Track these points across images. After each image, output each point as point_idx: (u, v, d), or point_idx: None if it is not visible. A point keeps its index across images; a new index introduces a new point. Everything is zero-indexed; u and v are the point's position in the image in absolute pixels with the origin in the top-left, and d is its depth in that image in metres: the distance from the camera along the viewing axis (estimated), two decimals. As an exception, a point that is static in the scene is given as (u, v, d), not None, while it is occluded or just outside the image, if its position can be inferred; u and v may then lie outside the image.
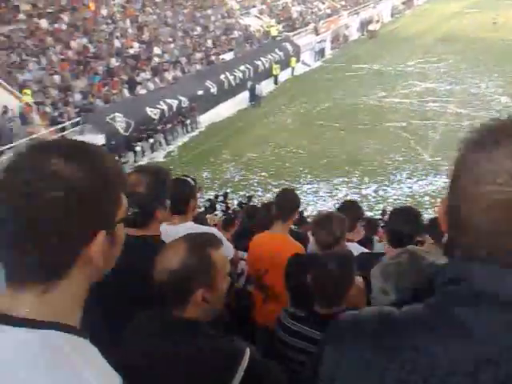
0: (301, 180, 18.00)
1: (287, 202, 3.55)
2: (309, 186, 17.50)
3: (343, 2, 45.72)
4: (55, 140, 1.02)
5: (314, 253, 3.30)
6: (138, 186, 2.11)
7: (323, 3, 43.77)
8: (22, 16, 23.52)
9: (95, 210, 0.92)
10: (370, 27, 42.22)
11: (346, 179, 17.79)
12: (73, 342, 0.91)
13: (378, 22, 44.53)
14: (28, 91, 18.79)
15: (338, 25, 40.16)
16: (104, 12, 27.34)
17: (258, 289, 3.61)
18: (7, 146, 16.56)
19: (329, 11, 42.34)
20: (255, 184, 17.94)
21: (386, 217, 11.17)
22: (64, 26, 24.47)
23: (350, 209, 4.07)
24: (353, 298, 2.51)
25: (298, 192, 4.73)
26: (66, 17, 25.18)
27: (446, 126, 21.21)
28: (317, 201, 16.46)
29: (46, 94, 19.62)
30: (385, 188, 17.05)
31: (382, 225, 8.15)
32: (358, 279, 2.63)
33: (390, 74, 30.21)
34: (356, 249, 3.54)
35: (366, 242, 4.42)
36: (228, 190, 16.69)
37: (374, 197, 16.49)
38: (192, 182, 2.94)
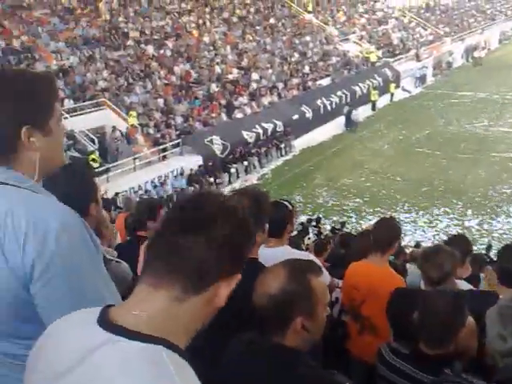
0: (398, 208, 17.33)
1: (388, 233, 3.37)
2: (406, 215, 16.78)
3: (447, 29, 44.25)
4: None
5: (420, 288, 3.12)
6: None
7: (425, 29, 42.65)
8: (130, 42, 25.01)
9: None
10: (476, 54, 40.53)
11: (448, 210, 16.86)
12: (177, 362, 0.95)
13: (484, 48, 42.68)
14: (134, 113, 19.85)
15: (440, 51, 38.85)
16: (206, 39, 28.41)
17: (353, 319, 3.50)
18: (113, 164, 17.56)
19: (431, 38, 41.15)
20: (349, 210, 17.52)
21: (492, 253, 10.41)
22: (168, 52, 25.69)
23: (459, 243, 3.76)
24: (463, 340, 2.31)
25: (395, 221, 4.45)
26: (170, 43, 26.45)
27: None
28: (415, 231, 15.72)
29: (150, 117, 20.61)
30: (490, 221, 15.94)
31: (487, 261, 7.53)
32: (470, 320, 2.40)
33: (497, 102, 28.63)
34: (465, 287, 3.25)
35: (473, 279, 4.07)
36: (320, 215, 16.41)
37: (478, 230, 15.45)
38: (290, 206, 2.92)
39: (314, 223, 15.14)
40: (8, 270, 1.23)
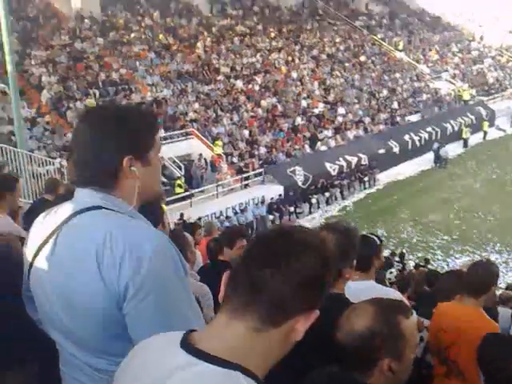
0: (488, 248, 16.28)
1: (485, 277, 3.15)
2: (497, 256, 15.70)
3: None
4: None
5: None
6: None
7: (524, 68, 40.72)
8: (220, 77, 25.87)
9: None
10: None
11: None
12: None
13: None
14: (219, 143, 20.40)
15: (540, 91, 36.78)
16: (294, 75, 28.80)
17: (439, 361, 3.33)
18: (197, 190, 18.03)
19: (530, 77, 39.18)
20: (435, 247, 16.66)
21: None
22: (256, 87, 26.28)
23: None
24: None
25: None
26: (259, 78, 27.06)
27: None
28: (506, 272, 14.60)
29: (235, 146, 21.04)
30: None
31: None
32: None
33: None
34: None
35: None
36: (404, 250, 15.69)
37: None
38: (377, 241, 2.88)
39: (397, 258, 14.53)
40: (105, 289, 1.32)
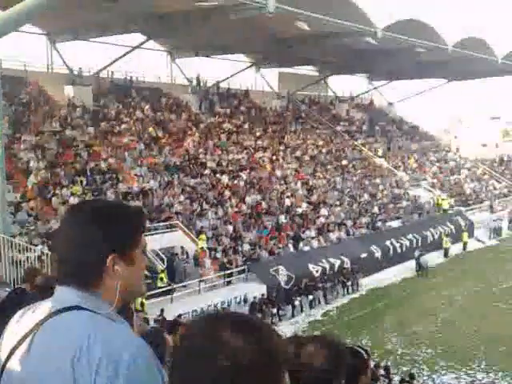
0: (474, 366, 15.69)
1: None
2: (483, 375, 15.12)
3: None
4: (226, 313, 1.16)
5: None
6: (316, 358, 1.89)
7: (499, 182, 42.28)
8: (207, 171, 26.13)
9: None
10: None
11: None
12: None
13: None
14: (203, 237, 20.15)
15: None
16: (278, 173, 29.31)
17: None
18: (180, 285, 17.51)
19: (505, 191, 40.60)
20: (420, 361, 16.06)
21: None
22: (242, 183, 26.55)
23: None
24: None
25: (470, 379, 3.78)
26: (244, 175, 27.43)
27: None
28: (495, 394, 14.02)
29: (219, 241, 20.77)
30: None
31: None
32: None
33: None
34: None
35: None
36: (389, 363, 15.06)
37: None
38: (365, 355, 2.62)
39: (382, 371, 13.92)
40: None
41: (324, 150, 35.47)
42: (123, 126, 26.45)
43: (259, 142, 32.12)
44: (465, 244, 29.66)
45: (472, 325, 18.50)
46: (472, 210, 34.45)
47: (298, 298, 19.04)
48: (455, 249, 28.85)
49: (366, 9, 24.23)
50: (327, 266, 21.45)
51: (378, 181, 33.77)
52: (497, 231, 33.40)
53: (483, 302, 20.96)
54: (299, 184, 29.13)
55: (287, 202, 26.34)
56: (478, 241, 31.49)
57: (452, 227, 29.74)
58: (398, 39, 26.95)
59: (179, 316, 14.86)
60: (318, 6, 21.45)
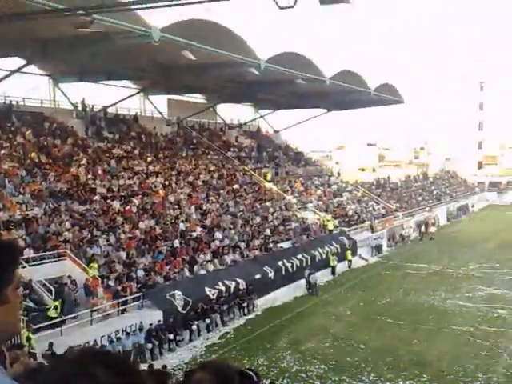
0: (363, 378, 16.50)
1: None
2: (372, 387, 15.97)
3: (398, 204, 47.35)
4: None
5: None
6: None
7: (377, 204, 45.43)
8: (97, 197, 25.28)
9: None
10: (425, 229, 43.06)
11: (413, 382, 16.07)
12: None
13: (433, 224, 45.45)
14: (95, 265, 19.37)
15: (393, 224, 41.12)
16: (171, 198, 29.14)
17: None
18: (69, 316, 16.60)
19: (383, 211, 43.72)
20: (314, 377, 16.58)
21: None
22: (134, 209, 26.01)
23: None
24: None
25: None
26: (136, 200, 26.92)
27: None
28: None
29: (112, 269, 20.08)
30: None
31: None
32: None
33: (452, 276, 29.49)
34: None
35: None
36: (285, 381, 15.42)
37: None
38: (255, 378, 2.59)
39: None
40: None
41: (216, 175, 35.90)
42: (2, 151, 24.90)
43: (151, 168, 31.75)
44: (349, 262, 31.51)
45: (360, 338, 19.51)
46: (355, 229, 36.69)
47: (196, 322, 18.92)
48: (341, 267, 30.54)
49: (250, 42, 25.25)
50: (223, 289, 21.61)
51: (268, 204, 34.78)
52: (378, 249, 35.99)
53: (368, 316, 22.26)
54: (193, 208, 29.16)
55: (181, 226, 26.23)
56: (362, 258, 33.61)
57: (338, 246, 31.41)
58: (280, 71, 28.23)
59: (70, 348, 14.12)
60: (203, 36, 21.94)
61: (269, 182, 39.41)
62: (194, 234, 25.96)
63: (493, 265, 31.80)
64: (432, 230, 43.56)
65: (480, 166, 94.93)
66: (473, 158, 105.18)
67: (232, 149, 43.33)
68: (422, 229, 43.13)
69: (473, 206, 64.71)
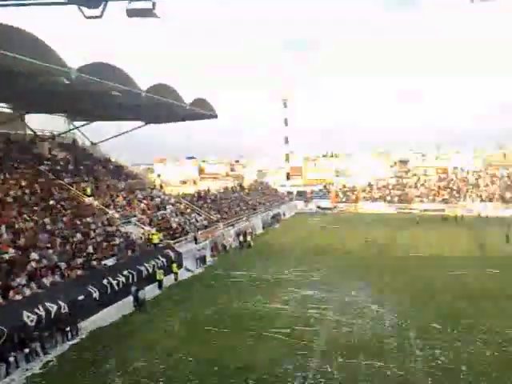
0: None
1: None
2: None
3: (218, 215, 48.97)
4: None
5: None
6: None
7: (199, 215, 46.43)
8: None
9: None
10: (243, 238, 45.28)
11: None
12: None
13: (251, 233, 48.00)
14: None
15: (215, 235, 42.45)
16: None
17: None
18: None
19: (206, 222, 44.84)
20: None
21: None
22: None
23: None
24: None
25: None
26: None
27: (327, 334, 21.38)
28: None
29: None
30: None
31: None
32: None
33: (269, 281, 31.40)
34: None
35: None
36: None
37: None
38: None
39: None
40: None
41: (28, 191, 33.31)
42: None
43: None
44: (176, 275, 31.68)
45: (188, 351, 19.68)
46: (179, 242, 37.04)
47: (13, 354, 17.27)
48: (168, 280, 30.55)
49: (59, 50, 23.95)
50: (43, 314, 20.06)
51: (89, 220, 33.29)
52: (202, 260, 36.81)
53: (196, 327, 22.59)
54: (3, 228, 26.62)
55: (-11, 248, 23.78)
56: (188, 270, 34.08)
57: (163, 260, 31.41)
58: (94, 82, 27.33)
59: None
60: (5, 42, 20.35)
61: (89, 196, 37.78)
62: (7, 257, 23.72)
63: (303, 269, 34.69)
64: (249, 238, 45.99)
65: (288, 177, 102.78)
66: (281, 169, 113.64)
67: (45, 162, 40.66)
68: (241, 238, 45.29)
69: (284, 215, 69.98)
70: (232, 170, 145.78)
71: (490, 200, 75.64)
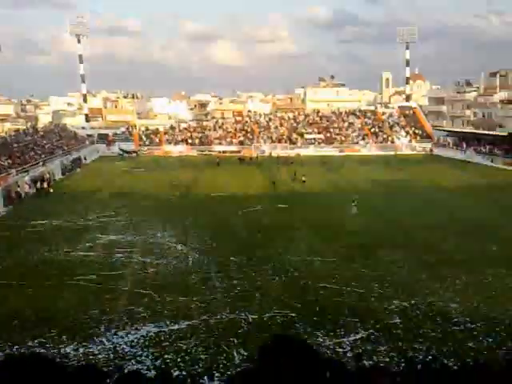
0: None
1: None
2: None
3: (10, 161, 45.09)
4: None
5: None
6: None
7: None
8: None
9: None
10: (41, 185, 42.67)
11: (42, 340, 15.84)
12: None
13: (48, 179, 45.30)
14: None
15: (7, 182, 39.15)
16: None
17: None
18: None
19: (-5, 169, 41.08)
20: None
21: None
22: None
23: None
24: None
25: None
26: None
27: (133, 276, 21.73)
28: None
29: None
30: (86, 344, 15.66)
31: None
32: None
33: (72, 228, 30.43)
34: None
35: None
36: None
37: (75, 355, 14.94)
38: None
39: None
40: None
41: None
42: None
43: None
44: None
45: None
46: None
47: None
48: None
49: None
50: None
51: None
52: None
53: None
54: None
55: None
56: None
57: None
58: None
59: None
60: None
61: None
62: None
63: (109, 213, 34.36)
64: (47, 185, 43.45)
65: (87, 119, 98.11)
66: (79, 111, 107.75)
67: None
68: (38, 185, 42.60)
69: (85, 159, 67.21)
70: (23, 110, 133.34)
71: (279, 141, 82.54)
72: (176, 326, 16.77)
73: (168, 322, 17.06)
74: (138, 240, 27.71)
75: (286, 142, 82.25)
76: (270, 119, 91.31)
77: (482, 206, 37.19)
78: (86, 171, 58.32)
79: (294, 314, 17.49)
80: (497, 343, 15.29)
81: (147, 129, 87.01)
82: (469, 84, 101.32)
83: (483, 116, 79.19)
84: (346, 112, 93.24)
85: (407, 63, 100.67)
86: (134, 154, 78.04)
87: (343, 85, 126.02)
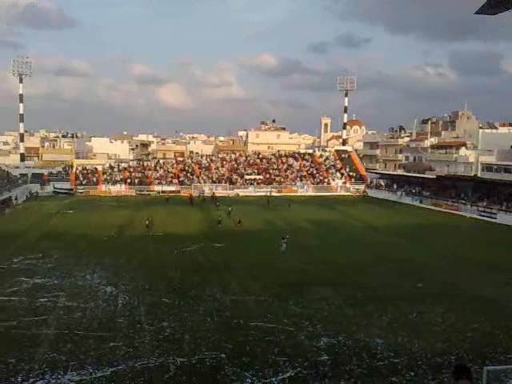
0: None
1: None
2: None
3: None
4: None
5: None
6: None
7: None
8: None
9: None
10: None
11: None
12: None
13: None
14: None
15: None
16: None
17: None
18: None
19: None
20: None
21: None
22: None
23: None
24: None
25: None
26: None
27: (57, 321, 20.73)
28: None
29: None
30: None
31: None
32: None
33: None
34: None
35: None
36: None
37: None
38: None
39: None
40: None
41: None
42: None
43: None
44: None
45: None
46: None
47: None
48: None
49: None
50: None
51: None
52: None
53: None
54: None
55: None
56: None
57: None
58: None
59: None
60: None
61: None
62: None
63: (36, 255, 33.00)
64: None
65: (23, 158, 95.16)
66: (15, 150, 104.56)
67: None
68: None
69: (16, 199, 64.86)
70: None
71: (220, 181, 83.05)
72: (100, 373, 16.06)
73: (91, 370, 16.31)
74: (65, 283, 26.63)
75: (225, 182, 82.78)
76: (211, 160, 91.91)
77: (410, 245, 38.60)
78: (15, 212, 56.18)
79: (223, 356, 17.24)
80: (418, 376, 15.73)
81: (84, 168, 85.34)
82: (402, 130, 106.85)
83: (414, 160, 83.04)
84: (285, 154, 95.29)
85: (345, 110, 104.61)
86: (70, 193, 76.13)
87: (284, 128, 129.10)
